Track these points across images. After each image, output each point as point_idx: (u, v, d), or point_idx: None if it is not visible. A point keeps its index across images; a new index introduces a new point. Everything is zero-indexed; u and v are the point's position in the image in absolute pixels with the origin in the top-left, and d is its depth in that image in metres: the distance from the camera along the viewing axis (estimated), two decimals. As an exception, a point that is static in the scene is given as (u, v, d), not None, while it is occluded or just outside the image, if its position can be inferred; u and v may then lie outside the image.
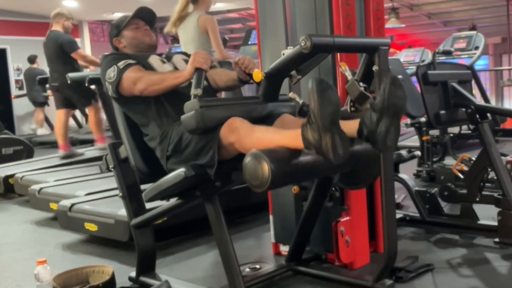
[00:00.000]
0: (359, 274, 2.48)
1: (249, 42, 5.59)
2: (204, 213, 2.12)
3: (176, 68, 2.46)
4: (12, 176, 4.81)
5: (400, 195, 3.71)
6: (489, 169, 3.02)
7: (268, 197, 2.85)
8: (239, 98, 3.21)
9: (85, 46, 12.25)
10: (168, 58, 2.54)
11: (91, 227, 3.21)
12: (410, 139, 5.48)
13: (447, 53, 4.21)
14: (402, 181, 3.35)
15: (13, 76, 11.30)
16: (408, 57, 5.69)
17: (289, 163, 1.83)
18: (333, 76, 2.53)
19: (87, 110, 5.94)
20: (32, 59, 9.89)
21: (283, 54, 2.17)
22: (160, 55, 2.53)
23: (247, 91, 4.37)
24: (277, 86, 2.22)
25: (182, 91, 2.23)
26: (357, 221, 2.54)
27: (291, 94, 2.21)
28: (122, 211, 2.91)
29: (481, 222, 3.05)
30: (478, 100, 3.77)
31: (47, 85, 8.13)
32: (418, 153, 3.65)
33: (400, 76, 2.37)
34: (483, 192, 3.05)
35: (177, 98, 2.24)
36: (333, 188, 2.49)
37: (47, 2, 9.84)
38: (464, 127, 4.67)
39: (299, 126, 1.89)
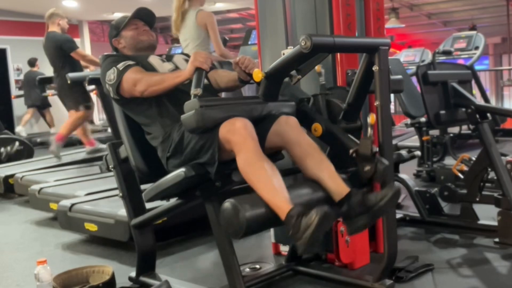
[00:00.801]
0: (359, 274, 2.48)
1: (249, 42, 5.58)
2: (204, 213, 2.13)
3: (177, 67, 2.46)
4: (12, 176, 4.81)
5: (400, 195, 3.71)
6: (489, 169, 3.02)
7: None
8: (239, 98, 3.21)
9: (85, 46, 12.24)
10: (169, 58, 2.54)
11: (91, 227, 3.21)
12: (410, 139, 5.48)
13: (447, 53, 4.21)
14: (402, 181, 3.35)
15: (13, 76, 11.29)
16: (408, 57, 5.68)
17: (264, 219, 1.90)
18: (333, 76, 2.53)
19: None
20: (32, 62, 9.89)
21: (283, 54, 2.17)
22: (160, 56, 2.53)
23: (247, 91, 4.36)
24: (277, 86, 2.22)
25: (183, 90, 2.23)
26: (357, 221, 2.54)
27: (318, 68, 2.28)
28: (122, 211, 2.91)
29: (481, 222, 3.05)
30: (478, 100, 3.77)
31: (48, 85, 8.15)
32: (418, 153, 3.65)
33: (400, 76, 2.37)
34: (483, 192, 3.05)
35: (179, 97, 2.24)
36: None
37: (47, 2, 9.83)
38: (464, 127, 4.67)
39: (300, 138, 2.08)
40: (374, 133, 2.05)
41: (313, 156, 2.08)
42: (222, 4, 11.17)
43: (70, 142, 7.72)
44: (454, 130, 4.74)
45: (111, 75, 2.30)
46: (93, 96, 5.60)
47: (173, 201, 2.32)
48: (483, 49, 5.03)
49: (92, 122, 7.85)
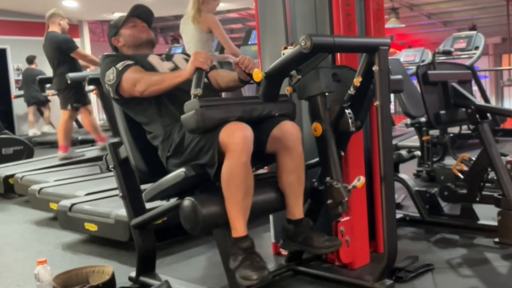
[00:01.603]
0: (359, 274, 2.48)
1: (249, 42, 5.59)
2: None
3: (177, 67, 2.46)
4: (12, 176, 4.81)
5: (400, 195, 3.71)
6: (489, 169, 3.02)
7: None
8: (239, 98, 3.21)
9: (85, 46, 12.24)
10: (168, 57, 2.54)
11: (91, 227, 3.21)
12: (410, 139, 5.48)
13: (447, 53, 4.21)
14: (402, 181, 3.35)
15: (13, 76, 11.30)
16: (408, 57, 5.69)
17: (219, 223, 2.04)
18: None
19: (78, 112, 5.80)
20: (30, 60, 9.89)
21: (283, 54, 2.17)
22: (160, 55, 2.53)
23: (247, 91, 4.37)
24: (277, 86, 2.22)
25: (183, 89, 2.23)
26: (357, 221, 2.54)
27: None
28: (122, 211, 2.91)
29: (481, 222, 3.05)
30: (478, 100, 3.77)
31: (47, 85, 8.15)
32: (418, 153, 3.65)
33: (400, 76, 2.37)
34: (483, 192, 3.05)
35: (179, 96, 2.24)
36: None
37: (47, 2, 9.83)
38: (464, 127, 4.67)
39: (294, 152, 2.15)
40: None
41: (294, 174, 2.18)
42: (222, 4, 11.08)
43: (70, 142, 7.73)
44: (454, 130, 4.74)
45: (111, 75, 2.30)
46: (93, 96, 5.60)
47: (173, 201, 2.32)
48: (483, 49, 5.03)
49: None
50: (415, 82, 3.47)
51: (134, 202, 2.51)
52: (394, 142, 5.18)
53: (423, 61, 5.41)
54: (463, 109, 3.07)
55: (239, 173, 1.96)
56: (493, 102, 9.68)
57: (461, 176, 3.24)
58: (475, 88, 4.47)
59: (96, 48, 12.47)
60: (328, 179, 2.20)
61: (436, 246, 2.89)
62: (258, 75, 2.15)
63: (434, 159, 4.56)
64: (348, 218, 2.49)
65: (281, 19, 2.65)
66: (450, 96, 3.11)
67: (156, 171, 2.29)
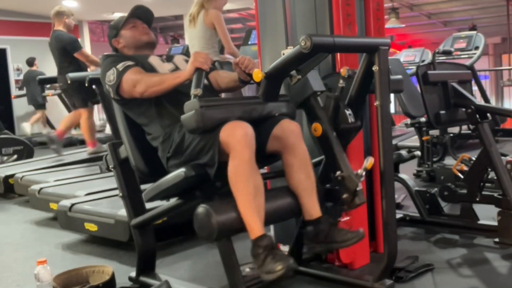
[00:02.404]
0: (359, 274, 2.47)
1: (249, 42, 5.58)
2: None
3: (177, 68, 2.46)
4: (12, 176, 4.81)
5: (400, 195, 3.71)
6: (489, 169, 3.02)
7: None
8: (239, 98, 3.21)
9: (85, 46, 12.24)
10: (169, 59, 2.54)
11: (91, 227, 3.21)
12: (410, 139, 5.48)
13: (447, 53, 4.21)
14: (402, 181, 3.35)
15: (13, 76, 11.31)
16: (408, 57, 5.68)
17: (235, 229, 2.00)
18: (333, 76, 2.53)
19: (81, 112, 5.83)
20: (30, 62, 9.88)
21: (283, 54, 2.17)
22: (160, 56, 2.53)
23: (247, 91, 4.37)
24: (277, 86, 2.22)
25: (183, 91, 2.23)
26: (357, 221, 2.54)
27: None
28: (122, 211, 2.91)
29: (481, 222, 3.05)
30: (478, 100, 3.77)
31: (47, 86, 8.14)
32: (418, 153, 3.66)
33: (400, 76, 2.37)
34: (483, 192, 3.05)
35: (178, 99, 2.24)
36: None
37: (47, 2, 9.82)
38: (464, 127, 4.67)
39: (297, 148, 2.12)
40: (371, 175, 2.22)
41: (302, 170, 2.14)
42: (222, 4, 11.15)
43: (70, 142, 7.75)
44: (454, 130, 4.74)
45: (111, 75, 2.30)
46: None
47: (173, 201, 2.32)
48: (483, 49, 5.02)
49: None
50: (415, 82, 3.47)
51: (134, 202, 2.51)
52: (394, 142, 5.17)
53: (423, 61, 5.40)
54: (463, 109, 3.07)
55: (245, 170, 1.94)
56: (493, 102, 9.67)
57: (461, 176, 3.24)
58: (475, 88, 4.47)
59: (96, 48, 12.47)
60: (338, 173, 2.15)
61: (436, 246, 2.89)
62: (258, 75, 2.15)
63: (434, 159, 4.56)
64: (348, 218, 2.49)
65: (281, 19, 2.65)
66: (450, 96, 3.10)
67: (156, 171, 2.29)
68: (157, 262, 2.63)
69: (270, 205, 2.04)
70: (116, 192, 2.66)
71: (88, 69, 5.96)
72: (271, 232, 2.85)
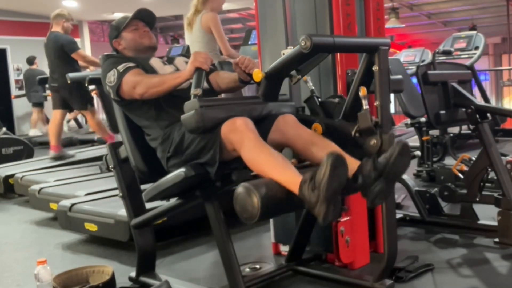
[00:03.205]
0: (359, 274, 2.48)
1: (249, 42, 5.58)
2: (204, 213, 2.13)
3: (178, 70, 2.46)
4: (12, 176, 4.81)
5: (400, 195, 3.71)
6: (489, 169, 3.02)
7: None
8: (239, 98, 3.21)
9: (85, 46, 12.25)
10: (170, 61, 2.54)
11: (91, 227, 3.21)
12: (410, 139, 5.47)
13: (447, 53, 4.20)
14: (402, 181, 3.35)
15: (13, 76, 11.31)
16: (408, 57, 5.68)
17: (279, 200, 1.85)
18: (333, 77, 2.53)
19: (84, 114, 5.91)
20: (31, 60, 9.88)
21: (283, 54, 2.17)
22: (161, 58, 2.53)
23: (247, 91, 4.37)
24: (277, 86, 2.22)
25: (181, 96, 2.21)
26: (357, 221, 2.54)
27: (304, 78, 2.24)
28: (122, 211, 2.91)
29: (481, 222, 3.05)
30: (478, 100, 3.77)
31: (47, 85, 8.14)
32: (418, 153, 3.66)
33: (400, 76, 2.37)
34: (483, 192, 3.05)
35: (177, 102, 2.23)
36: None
37: (47, 2, 9.84)
38: (464, 127, 4.67)
39: (300, 131, 2.06)
40: (369, 104, 2.03)
41: (316, 143, 2.07)
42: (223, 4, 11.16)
43: (70, 142, 7.74)
44: (454, 130, 4.74)
45: (112, 76, 2.30)
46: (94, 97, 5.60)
47: (173, 201, 2.32)
48: (483, 49, 5.02)
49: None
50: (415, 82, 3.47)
51: (134, 202, 2.52)
52: (394, 142, 5.16)
53: (423, 61, 5.39)
54: (463, 109, 3.07)
55: (255, 145, 1.92)
56: (493, 102, 9.67)
57: (461, 176, 3.24)
58: (475, 88, 4.47)
59: (96, 48, 12.48)
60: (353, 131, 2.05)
61: (436, 246, 2.89)
62: (258, 75, 2.15)
63: (434, 159, 4.56)
64: (348, 218, 2.49)
65: (281, 19, 2.65)
66: (450, 96, 3.11)
67: (156, 171, 2.29)
68: (157, 262, 2.63)
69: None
70: (116, 192, 2.66)
71: (88, 70, 5.96)
72: (271, 232, 2.86)
